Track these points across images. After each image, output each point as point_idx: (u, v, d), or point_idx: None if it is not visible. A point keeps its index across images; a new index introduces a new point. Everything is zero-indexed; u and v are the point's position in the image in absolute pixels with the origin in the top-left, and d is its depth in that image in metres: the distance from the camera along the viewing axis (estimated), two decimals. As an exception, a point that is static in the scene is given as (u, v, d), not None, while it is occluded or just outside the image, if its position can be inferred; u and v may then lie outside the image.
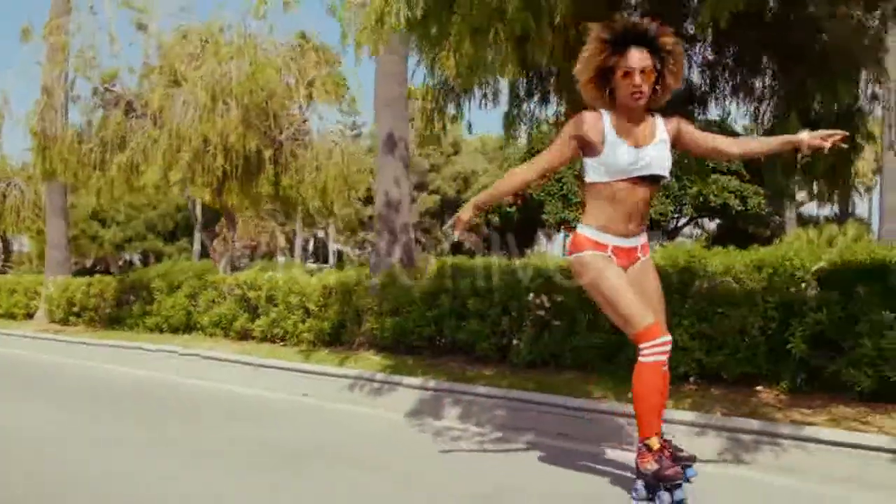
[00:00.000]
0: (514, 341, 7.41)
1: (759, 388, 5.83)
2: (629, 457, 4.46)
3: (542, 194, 32.47)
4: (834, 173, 5.94)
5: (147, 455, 5.03)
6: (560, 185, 32.36)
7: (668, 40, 3.83)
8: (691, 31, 5.71)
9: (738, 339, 5.94)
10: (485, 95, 6.67)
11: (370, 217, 39.71)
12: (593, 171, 3.90)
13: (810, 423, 4.81)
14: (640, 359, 3.75)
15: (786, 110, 5.79)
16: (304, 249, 53.04)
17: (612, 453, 4.95)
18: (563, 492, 4.11)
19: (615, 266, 3.87)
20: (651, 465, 3.68)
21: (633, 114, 3.88)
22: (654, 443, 3.71)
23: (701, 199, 31.10)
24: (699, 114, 6.37)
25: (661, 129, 3.94)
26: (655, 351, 3.72)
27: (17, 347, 13.36)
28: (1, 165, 20.44)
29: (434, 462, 4.88)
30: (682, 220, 34.96)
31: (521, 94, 6.45)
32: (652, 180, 3.89)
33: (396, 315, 8.49)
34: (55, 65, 11.77)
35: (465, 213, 4.14)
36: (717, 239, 31.53)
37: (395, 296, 8.52)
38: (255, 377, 8.52)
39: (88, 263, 45.56)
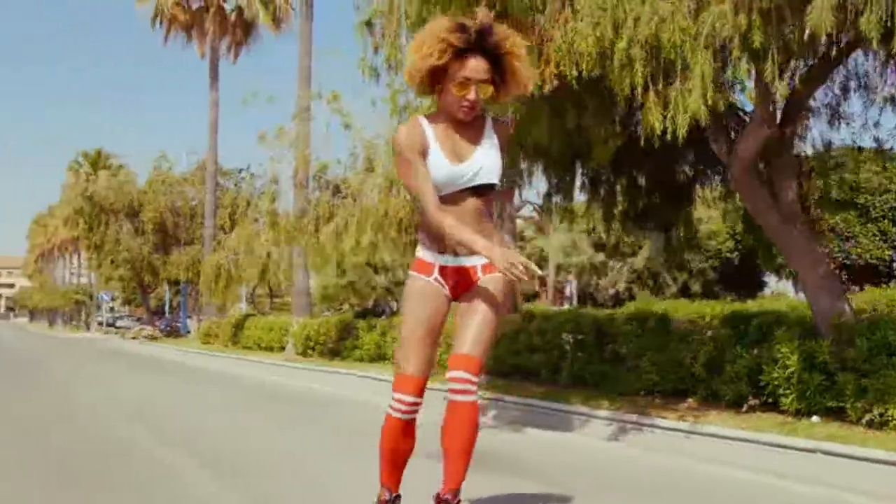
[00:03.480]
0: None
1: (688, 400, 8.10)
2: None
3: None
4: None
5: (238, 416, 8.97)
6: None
7: (517, 65, 3.46)
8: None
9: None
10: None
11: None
12: None
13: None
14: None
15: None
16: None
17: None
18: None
19: (427, 301, 3.54)
20: None
21: (458, 121, 3.51)
22: (382, 493, 3.63)
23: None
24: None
25: (489, 131, 3.58)
26: (394, 406, 3.51)
27: (265, 372, 17.67)
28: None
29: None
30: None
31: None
32: (481, 189, 3.52)
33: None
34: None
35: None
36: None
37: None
38: (364, 386, 12.54)
39: (370, 305, 51.84)
